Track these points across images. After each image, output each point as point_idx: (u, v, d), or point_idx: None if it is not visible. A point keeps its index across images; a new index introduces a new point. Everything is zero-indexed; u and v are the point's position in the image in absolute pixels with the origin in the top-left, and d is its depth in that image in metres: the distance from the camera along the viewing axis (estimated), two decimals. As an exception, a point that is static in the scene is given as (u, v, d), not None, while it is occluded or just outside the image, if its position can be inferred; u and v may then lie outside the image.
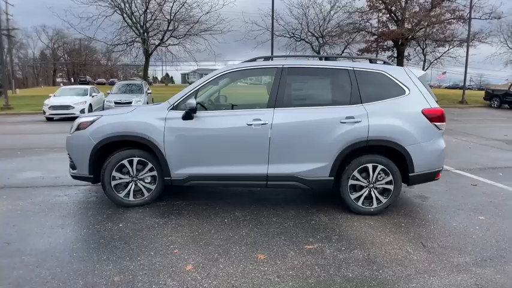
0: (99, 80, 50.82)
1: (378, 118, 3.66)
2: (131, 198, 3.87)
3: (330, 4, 22.51)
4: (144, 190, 3.89)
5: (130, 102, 12.99)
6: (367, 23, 24.90)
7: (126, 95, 13.72)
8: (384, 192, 3.78)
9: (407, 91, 3.77)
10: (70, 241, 3.07)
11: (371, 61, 4.10)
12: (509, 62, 29.51)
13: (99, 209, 3.84)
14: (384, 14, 24.57)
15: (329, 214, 3.80)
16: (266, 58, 4.07)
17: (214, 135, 3.72)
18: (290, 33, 22.49)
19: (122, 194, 3.84)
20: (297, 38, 22.69)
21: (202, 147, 3.71)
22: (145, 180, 3.88)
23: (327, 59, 4.49)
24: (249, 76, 4.15)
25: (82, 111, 12.42)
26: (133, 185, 3.86)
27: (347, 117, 3.65)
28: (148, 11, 23.17)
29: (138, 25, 23.10)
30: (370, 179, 3.74)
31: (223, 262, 2.76)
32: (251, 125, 3.64)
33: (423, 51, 26.58)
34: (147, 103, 14.16)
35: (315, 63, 4.05)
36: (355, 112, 3.67)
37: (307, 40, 22.82)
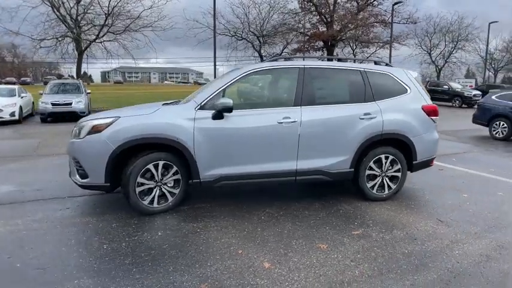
0: (7, 79, 43.85)
1: (389, 114, 4.12)
2: (155, 204, 3.68)
3: (269, 5, 23.34)
4: (168, 195, 3.73)
5: (70, 104, 11.74)
6: (300, 24, 26.40)
7: (63, 95, 12.32)
8: (393, 179, 4.27)
9: (408, 90, 4.32)
10: (118, 257, 2.82)
11: (376, 63, 4.55)
12: (423, 62, 34.54)
13: (121, 219, 3.56)
14: (314, 15, 26.38)
15: (349, 203, 4.14)
16: (286, 58, 4.22)
17: (246, 134, 3.74)
18: (232, 32, 22.66)
19: (146, 201, 3.62)
20: (238, 37, 22.97)
21: (234, 146, 3.70)
22: (169, 185, 3.72)
23: (339, 60, 4.81)
24: (272, 75, 4.21)
25: (12, 114, 10.80)
26: (158, 190, 3.67)
27: (365, 114, 4.04)
28: (82, 2, 20.91)
29: (69, 18, 20.65)
30: (383, 169, 4.19)
31: (294, 256, 2.88)
32: (281, 123, 3.77)
33: (353, 52, 29.25)
34: (88, 104, 12.96)
35: (332, 64, 4.33)
36: (371, 109, 4.08)
37: (248, 39, 23.27)
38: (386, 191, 4.26)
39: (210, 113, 3.63)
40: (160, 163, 3.60)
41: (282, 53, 25.23)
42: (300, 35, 25.85)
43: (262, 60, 24.69)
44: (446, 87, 22.35)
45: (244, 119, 3.75)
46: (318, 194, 4.43)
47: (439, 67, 34.60)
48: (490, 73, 36.88)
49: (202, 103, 3.69)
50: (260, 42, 23.14)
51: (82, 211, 3.80)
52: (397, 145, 4.22)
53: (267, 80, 4.01)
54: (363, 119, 4.02)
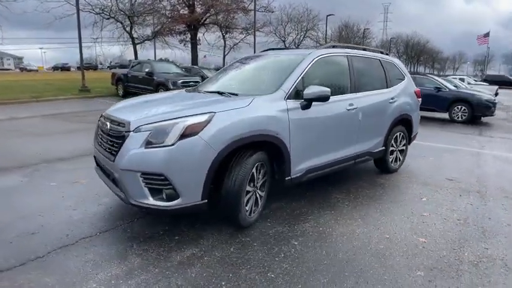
0: None
1: (402, 98, 4.96)
2: (252, 213, 3.31)
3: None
4: (259, 200, 3.41)
5: None
6: (160, 5, 24.98)
7: None
8: (401, 152, 5.22)
9: (405, 77, 5.28)
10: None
11: (381, 52, 5.27)
12: None
13: (222, 240, 3.05)
14: (174, -4, 25.41)
15: (377, 183, 4.83)
16: (333, 46, 4.35)
17: (326, 122, 3.74)
18: (98, 9, 19.14)
19: (248, 212, 3.21)
20: (105, 15, 19.63)
21: (317, 136, 3.66)
22: (262, 188, 3.39)
23: (364, 49, 5.17)
24: (329, 62, 4.15)
25: None
26: (254, 196, 3.31)
27: (391, 98, 4.75)
28: None
29: None
30: (397, 144, 5.06)
31: (424, 223, 3.33)
32: (349, 110, 4.01)
33: (224, 37, 29.91)
34: None
35: (364, 53, 4.72)
36: (393, 94, 4.81)
37: (117, 19, 20.23)
38: (398, 163, 5.18)
39: (297, 103, 3.43)
40: (259, 164, 3.24)
41: (154, 35, 23.39)
42: (162, 16, 24.50)
43: (134, 43, 22.27)
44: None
45: (322, 108, 3.66)
46: (340, 180, 4.71)
47: None
48: None
49: (290, 92, 3.43)
50: (131, 22, 20.64)
51: (161, 242, 3.00)
52: (405, 123, 5.15)
53: (324, 67, 4.01)
54: (391, 103, 4.72)
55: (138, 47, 22.69)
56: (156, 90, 13.91)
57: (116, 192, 2.98)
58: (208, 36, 28.93)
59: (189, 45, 26.87)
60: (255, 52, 27.86)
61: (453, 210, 3.84)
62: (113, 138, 2.95)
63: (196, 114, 2.82)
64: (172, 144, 2.66)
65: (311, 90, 3.38)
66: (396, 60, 5.33)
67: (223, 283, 2.39)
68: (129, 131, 2.77)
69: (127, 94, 15.65)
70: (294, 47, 37.62)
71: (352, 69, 4.24)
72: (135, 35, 21.90)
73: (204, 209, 2.84)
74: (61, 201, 3.70)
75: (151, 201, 2.73)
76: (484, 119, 11.89)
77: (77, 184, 4.22)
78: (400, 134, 5.04)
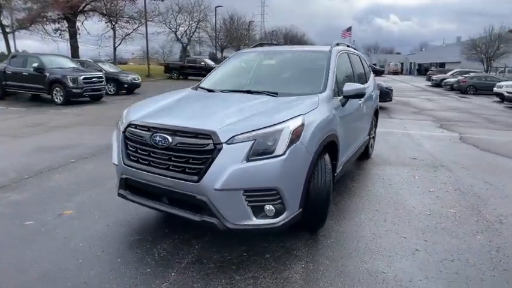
0: None
1: (375, 90, 5.63)
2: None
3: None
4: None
5: None
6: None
7: None
8: (373, 139, 5.92)
9: (370, 70, 5.94)
10: None
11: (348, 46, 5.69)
12: (172, 40, 36.59)
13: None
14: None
15: (368, 173, 5.41)
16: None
17: (352, 117, 3.91)
18: None
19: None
20: None
21: (348, 131, 3.77)
22: None
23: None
24: (341, 59, 4.23)
25: None
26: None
27: (372, 91, 5.31)
28: None
29: None
30: (372, 131, 5.72)
31: (435, 196, 3.94)
32: (360, 104, 4.34)
33: (113, 26, 26.59)
34: None
35: (351, 49, 5.03)
36: (371, 86, 5.37)
37: None
38: (372, 149, 5.87)
39: (338, 100, 3.48)
40: None
41: (32, 22, 19.24)
42: (29, 1, 20.55)
43: (4, 32, 18.03)
44: (203, 63, 25.96)
45: (349, 103, 3.76)
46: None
47: (185, 44, 38.60)
48: (218, 51, 45.54)
49: (333, 90, 3.44)
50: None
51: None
52: (376, 112, 5.82)
53: (341, 64, 4.10)
54: (372, 94, 5.27)
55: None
56: (49, 90, 11.78)
57: (188, 217, 2.51)
58: (95, 25, 25.69)
59: (67, 36, 23.36)
60: (147, 42, 26.22)
61: (444, 183, 4.62)
62: (188, 153, 2.46)
63: (293, 118, 2.60)
64: (283, 153, 2.41)
65: (350, 87, 3.50)
66: (362, 55, 5.94)
67: None
68: (220, 143, 2.36)
69: (5, 96, 12.76)
70: (186, 38, 36.76)
71: (351, 64, 4.57)
72: (4, 22, 17.73)
73: (298, 219, 2.67)
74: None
75: (255, 221, 2.42)
76: (383, 104, 14.15)
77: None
78: (374, 121, 5.69)
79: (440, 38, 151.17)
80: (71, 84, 11.67)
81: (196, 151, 2.44)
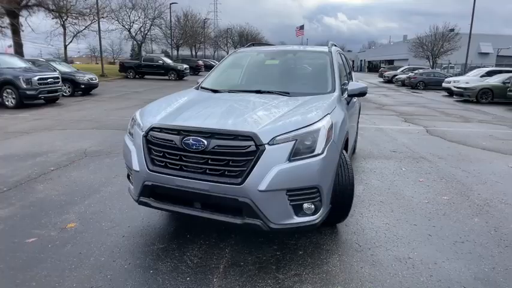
0: None
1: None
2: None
3: None
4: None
5: None
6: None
7: None
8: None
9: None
10: None
11: None
12: (126, 37, 34.70)
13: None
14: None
15: (357, 168, 5.69)
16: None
17: (352, 114, 4.13)
18: None
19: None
20: None
21: (350, 129, 3.79)
22: None
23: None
24: (338, 59, 4.36)
25: None
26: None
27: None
28: None
29: None
30: (357, 127, 6.03)
31: (426, 185, 4.29)
32: (354, 100, 4.55)
33: (63, 23, 24.63)
34: None
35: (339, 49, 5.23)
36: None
37: None
38: (356, 143, 6.18)
39: (343, 98, 3.58)
40: None
41: None
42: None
43: None
44: (161, 62, 25.25)
45: (351, 102, 3.95)
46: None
47: (139, 42, 36.96)
48: (174, 48, 44.25)
49: (340, 89, 3.57)
50: None
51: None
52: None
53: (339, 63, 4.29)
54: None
55: None
56: (-1, 92, 10.76)
57: (226, 220, 2.49)
58: (43, 21, 23.83)
59: (8, 33, 21.44)
60: (100, 40, 24.93)
61: (429, 173, 5.02)
62: (227, 156, 2.42)
63: (324, 117, 2.67)
64: (322, 152, 2.48)
65: (354, 86, 3.69)
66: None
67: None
68: (262, 144, 2.37)
69: None
70: (141, 36, 35.34)
71: (343, 63, 4.78)
72: None
73: (327, 215, 2.74)
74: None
75: (296, 219, 2.47)
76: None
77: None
78: (358, 118, 5.99)
79: (386, 35, 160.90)
80: (24, 86, 10.78)
81: (237, 153, 2.41)
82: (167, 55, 40.24)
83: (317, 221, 2.52)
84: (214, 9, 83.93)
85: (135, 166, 2.70)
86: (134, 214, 3.43)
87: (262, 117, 2.66)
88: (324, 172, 2.50)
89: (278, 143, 2.40)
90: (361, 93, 3.73)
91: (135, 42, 39.17)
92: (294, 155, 2.40)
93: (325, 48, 4.22)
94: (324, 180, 2.52)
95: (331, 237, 3.05)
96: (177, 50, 44.88)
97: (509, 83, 14.72)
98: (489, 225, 3.39)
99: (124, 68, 25.41)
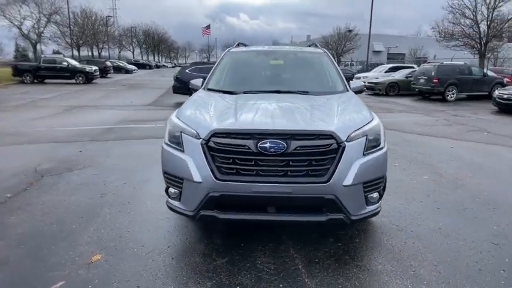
0: None
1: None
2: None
3: None
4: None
5: None
6: None
7: None
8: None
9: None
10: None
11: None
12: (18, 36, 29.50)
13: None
14: None
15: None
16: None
17: None
18: None
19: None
20: None
21: None
22: None
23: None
24: None
25: None
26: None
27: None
28: None
29: None
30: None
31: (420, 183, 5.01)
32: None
33: None
34: None
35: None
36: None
37: None
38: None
39: None
40: None
41: None
42: None
43: None
44: (66, 63, 22.73)
45: None
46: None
47: (34, 41, 31.91)
48: (75, 49, 39.57)
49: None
50: None
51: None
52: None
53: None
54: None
55: None
56: None
57: (306, 220, 2.62)
58: None
59: None
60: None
61: (397, 158, 5.78)
62: (310, 156, 2.49)
63: (374, 114, 3.02)
64: (384, 145, 2.81)
65: (355, 84, 4.08)
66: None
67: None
68: (343, 142, 2.52)
69: None
70: (35, 34, 30.96)
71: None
72: None
73: None
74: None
75: (367, 209, 2.70)
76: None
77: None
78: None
79: (288, 35, 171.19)
80: None
81: (319, 152, 2.50)
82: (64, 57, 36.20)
83: (380, 208, 2.83)
84: (112, 5, 78.49)
85: (196, 177, 2.55)
86: (162, 232, 3.21)
87: (322, 116, 2.83)
88: (386, 163, 2.83)
89: (353, 140, 2.61)
90: (360, 91, 4.16)
91: (19, 43, 34.24)
92: (366, 149, 2.65)
93: (318, 49, 4.57)
94: (386, 171, 2.85)
95: (369, 224, 3.39)
96: (78, 51, 40.71)
97: (411, 77, 17.35)
98: (471, 195, 4.17)
99: (18, 71, 22.06)
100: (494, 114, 11.52)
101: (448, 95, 15.48)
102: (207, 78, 4.14)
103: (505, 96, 11.61)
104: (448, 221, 3.45)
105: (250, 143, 2.49)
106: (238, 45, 4.95)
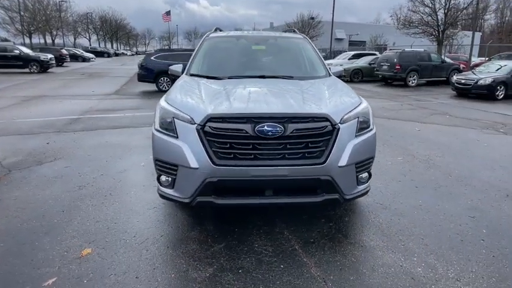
0: None
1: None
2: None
3: None
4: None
5: None
6: None
7: None
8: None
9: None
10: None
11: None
12: None
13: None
14: None
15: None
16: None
17: None
18: None
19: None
20: None
21: None
22: None
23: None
24: None
25: None
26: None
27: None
28: None
29: None
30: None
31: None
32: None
33: None
34: None
35: None
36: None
37: None
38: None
39: None
40: None
41: None
42: None
43: None
44: (18, 51, 21.14)
45: None
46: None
47: None
48: (26, 36, 36.57)
49: None
50: None
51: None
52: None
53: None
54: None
55: None
56: None
57: (303, 201, 2.68)
58: None
59: None
60: None
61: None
62: (306, 138, 2.53)
63: (361, 98, 3.12)
64: (373, 127, 2.91)
65: (336, 69, 4.18)
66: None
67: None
68: (337, 123, 2.58)
69: None
70: None
71: None
72: None
73: None
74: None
75: (358, 188, 2.82)
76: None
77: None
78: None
79: (249, 22, 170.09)
80: None
81: (315, 134, 2.55)
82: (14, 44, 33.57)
83: (369, 187, 2.96)
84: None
85: (192, 163, 2.50)
86: (152, 221, 3.13)
87: (314, 99, 2.86)
88: (375, 144, 2.93)
89: (346, 122, 2.68)
90: (340, 76, 4.25)
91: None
92: (358, 131, 2.74)
93: (298, 35, 4.59)
94: (375, 152, 2.96)
95: (356, 203, 3.52)
96: (30, 38, 37.89)
97: (374, 63, 17.93)
98: (445, 172, 4.45)
99: None
100: (453, 98, 12.24)
101: (409, 81, 16.20)
102: (188, 64, 4.04)
103: (463, 81, 12.38)
104: (427, 198, 3.66)
105: (247, 127, 2.48)
106: (216, 30, 4.86)
